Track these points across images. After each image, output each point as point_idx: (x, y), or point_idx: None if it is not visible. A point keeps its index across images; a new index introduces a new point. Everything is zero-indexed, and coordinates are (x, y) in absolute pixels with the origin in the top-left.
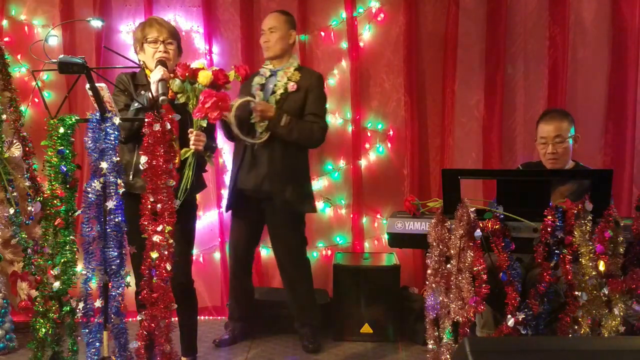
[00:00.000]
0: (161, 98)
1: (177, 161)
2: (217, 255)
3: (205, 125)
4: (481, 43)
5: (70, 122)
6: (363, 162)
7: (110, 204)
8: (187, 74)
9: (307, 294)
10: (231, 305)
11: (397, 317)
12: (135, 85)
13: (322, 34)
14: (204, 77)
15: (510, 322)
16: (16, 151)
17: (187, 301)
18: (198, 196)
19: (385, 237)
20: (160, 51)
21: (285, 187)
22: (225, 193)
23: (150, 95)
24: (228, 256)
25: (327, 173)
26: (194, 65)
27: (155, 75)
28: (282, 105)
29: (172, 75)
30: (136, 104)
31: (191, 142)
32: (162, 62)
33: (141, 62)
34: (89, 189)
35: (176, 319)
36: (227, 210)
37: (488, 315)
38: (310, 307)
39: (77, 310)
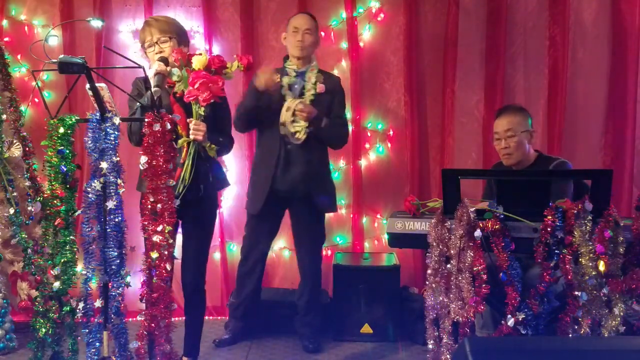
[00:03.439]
0: (154, 89)
1: (183, 156)
2: (217, 255)
3: (203, 113)
4: (481, 43)
5: (70, 122)
6: (363, 162)
7: (110, 204)
8: (180, 58)
9: (317, 294)
10: (233, 304)
11: (397, 317)
12: (147, 88)
13: (322, 34)
14: (198, 62)
15: (510, 322)
16: (16, 151)
17: (197, 301)
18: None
19: (385, 237)
20: (156, 53)
21: (321, 186)
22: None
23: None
24: (245, 256)
25: None
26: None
27: (152, 70)
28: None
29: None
30: (137, 104)
31: (190, 132)
32: (162, 59)
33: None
34: (89, 189)
35: (177, 318)
36: (257, 212)
37: (487, 315)
38: (315, 309)
39: (77, 310)
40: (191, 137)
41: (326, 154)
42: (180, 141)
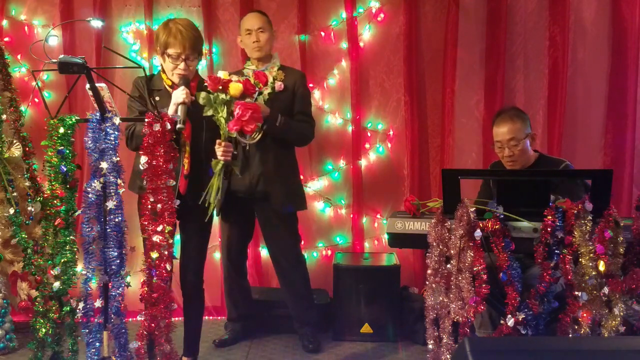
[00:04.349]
0: (178, 126)
1: (186, 167)
2: (217, 255)
3: (234, 135)
4: (481, 43)
5: (70, 122)
6: (363, 162)
7: (110, 204)
8: (219, 87)
9: (305, 292)
10: (228, 306)
11: (397, 317)
12: (150, 90)
13: (322, 34)
14: (235, 89)
15: (510, 322)
16: (16, 151)
17: (196, 301)
18: None
19: (385, 237)
20: (180, 68)
21: (279, 186)
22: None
23: (169, 114)
24: (224, 259)
25: (327, 173)
26: (219, 75)
27: (178, 97)
28: (271, 105)
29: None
30: (138, 109)
31: (220, 154)
32: (185, 81)
33: (159, 66)
34: (89, 189)
35: (176, 318)
36: (218, 214)
37: (485, 315)
38: (308, 306)
39: (77, 310)
40: (221, 158)
41: (288, 152)
42: (213, 163)
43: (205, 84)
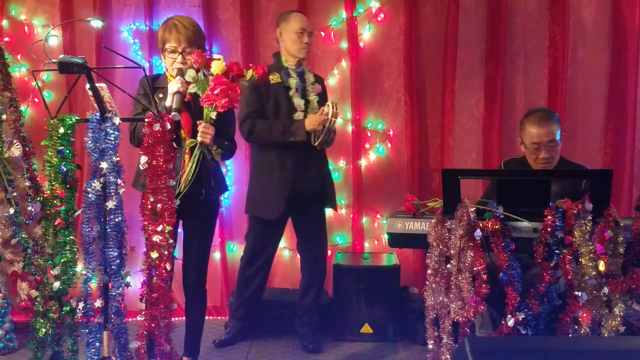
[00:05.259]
0: (173, 113)
1: (187, 163)
2: (217, 255)
3: (214, 117)
4: (481, 43)
5: (70, 122)
6: (363, 162)
7: (110, 204)
8: (200, 61)
9: (317, 299)
10: (233, 304)
11: (397, 317)
12: (155, 88)
13: (322, 34)
14: (217, 67)
15: (510, 322)
16: (16, 151)
17: (198, 301)
18: None
19: (385, 237)
20: (178, 62)
21: (331, 186)
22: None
23: (167, 105)
24: (248, 259)
25: None
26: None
27: (173, 86)
28: (319, 108)
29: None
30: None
31: (198, 134)
32: (182, 73)
33: (163, 67)
34: (89, 189)
35: (177, 318)
36: (276, 217)
37: (486, 315)
38: (314, 307)
39: (77, 310)
40: (199, 139)
41: (325, 154)
42: (187, 142)
43: (191, 57)
